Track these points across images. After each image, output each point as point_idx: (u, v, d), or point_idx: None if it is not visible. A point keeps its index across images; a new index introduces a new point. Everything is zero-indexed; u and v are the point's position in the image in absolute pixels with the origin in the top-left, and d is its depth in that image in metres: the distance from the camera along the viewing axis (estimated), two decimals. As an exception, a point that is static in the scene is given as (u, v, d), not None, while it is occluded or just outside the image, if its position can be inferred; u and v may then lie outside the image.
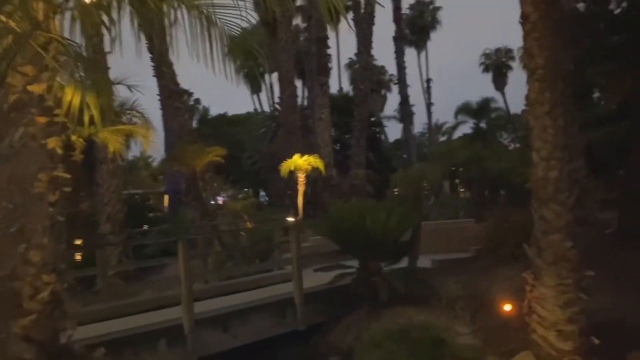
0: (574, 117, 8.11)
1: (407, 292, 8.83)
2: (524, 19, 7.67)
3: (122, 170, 13.27)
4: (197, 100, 52.34)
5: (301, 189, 16.13)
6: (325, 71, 23.67)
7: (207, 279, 10.30)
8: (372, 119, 30.06)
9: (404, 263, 9.75)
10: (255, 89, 53.01)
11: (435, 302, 9.00)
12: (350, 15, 29.65)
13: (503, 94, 49.52)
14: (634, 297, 8.89)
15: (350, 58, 48.78)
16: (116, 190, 12.62)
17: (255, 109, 49.86)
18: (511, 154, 26.65)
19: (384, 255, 9.37)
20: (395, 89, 48.04)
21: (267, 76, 46.98)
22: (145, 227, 18.03)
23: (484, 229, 11.39)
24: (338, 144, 27.48)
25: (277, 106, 35.37)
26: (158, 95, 17.50)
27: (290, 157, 17.83)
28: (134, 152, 23.98)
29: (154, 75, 17.10)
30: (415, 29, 48.61)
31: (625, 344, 7.66)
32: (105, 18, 3.84)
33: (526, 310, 7.70)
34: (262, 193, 40.15)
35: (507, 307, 8.52)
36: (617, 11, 14.20)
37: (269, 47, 22.01)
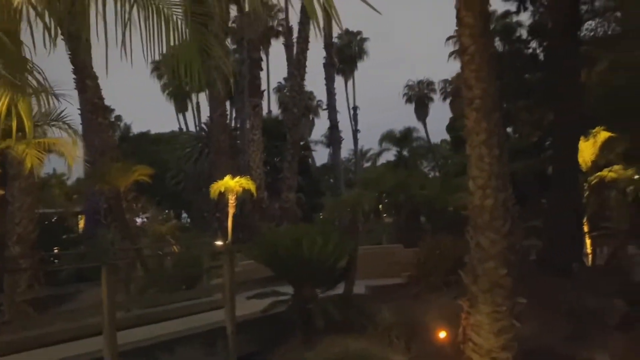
0: (505, 147, 8.38)
1: (343, 320, 8.61)
2: (463, 51, 7.87)
3: (35, 187, 12.19)
4: (119, 117, 50.44)
5: (231, 211, 15.64)
6: (258, 92, 23.45)
7: (131, 307, 9.57)
8: (302, 143, 30.12)
9: (339, 289, 9.56)
10: (181, 108, 51.94)
11: (370, 329, 8.84)
12: (281, 40, 29.79)
13: (424, 124, 51.58)
14: (558, 323, 9.21)
15: (279, 82, 49.08)
16: (29, 209, 11.55)
17: (180, 128, 48.74)
18: (432, 182, 27.62)
19: (320, 282, 9.14)
20: (321, 114, 48.78)
21: (193, 95, 46.23)
22: (57, 249, 16.71)
23: (416, 255, 11.49)
24: (267, 167, 27.23)
25: (204, 126, 34.67)
26: (79, 109, 16.49)
27: (220, 178, 17.36)
28: (46, 168, 22.49)
29: (75, 88, 16.12)
30: (343, 58, 49.74)
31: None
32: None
33: (461, 338, 7.72)
34: (185, 215, 38.91)
35: (442, 335, 8.54)
36: (538, 50, 15.18)
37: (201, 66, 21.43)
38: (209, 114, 28.67)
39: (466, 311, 7.60)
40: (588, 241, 13.74)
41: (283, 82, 47.08)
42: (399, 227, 21.47)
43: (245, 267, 12.37)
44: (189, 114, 51.01)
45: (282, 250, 8.98)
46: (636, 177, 17.21)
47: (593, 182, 14.06)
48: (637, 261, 13.11)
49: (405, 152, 44.87)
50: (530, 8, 15.00)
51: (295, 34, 24.82)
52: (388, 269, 12.68)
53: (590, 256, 13.75)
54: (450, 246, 9.96)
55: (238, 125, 33.86)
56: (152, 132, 45.06)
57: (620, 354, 8.19)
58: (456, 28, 8.06)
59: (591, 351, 8.32)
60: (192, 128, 47.38)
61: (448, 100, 49.40)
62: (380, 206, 26.03)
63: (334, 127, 39.07)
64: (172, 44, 3.52)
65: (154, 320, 9.11)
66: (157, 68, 45.87)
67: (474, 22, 7.66)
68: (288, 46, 29.56)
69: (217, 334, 8.59)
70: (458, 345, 7.71)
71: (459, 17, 7.86)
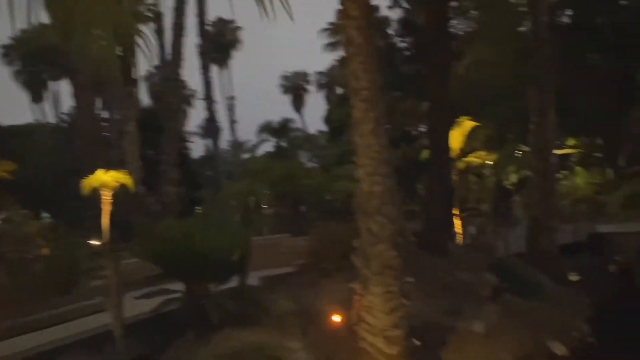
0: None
1: (239, 313, 8.53)
2: (349, 43, 8.07)
3: None
4: (-40, 108, 44.75)
5: (107, 208, 14.65)
6: (132, 81, 22.06)
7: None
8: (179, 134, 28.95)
9: (232, 283, 9.42)
10: (37, 98, 47.29)
11: (266, 320, 8.85)
12: (149, 26, 28.19)
13: (301, 115, 52.41)
14: (436, 300, 9.94)
15: (148, 70, 46.65)
16: None
17: (37, 120, 44.36)
18: (313, 172, 28.26)
19: (213, 276, 8.93)
20: (195, 104, 47.29)
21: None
22: None
23: (305, 243, 11.67)
24: (142, 160, 25.83)
25: (66, 117, 32.01)
26: None
27: (90, 172, 16.25)
28: None
29: None
30: (217, 47, 48.61)
31: (438, 342, 8.53)
32: None
33: (355, 320, 8.02)
34: (46, 214, 35.70)
35: (337, 319, 8.79)
36: (409, 44, 16.12)
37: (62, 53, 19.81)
38: (71, 104, 26.50)
39: (359, 294, 7.89)
40: (458, 222, 14.99)
41: (154, 70, 44.89)
42: (283, 217, 21.71)
43: (127, 267, 11.69)
44: (46, 104, 46.51)
45: (172, 245, 8.64)
46: (492, 162, 19.12)
47: (460, 167, 15.32)
48: (498, 239, 14.60)
49: (283, 143, 45.29)
50: (404, 5, 15.88)
51: (166, 20, 23.81)
52: (278, 259, 12.75)
53: (460, 235, 15.01)
54: (341, 232, 10.21)
55: (107, 117, 31.67)
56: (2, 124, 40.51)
57: (493, 321, 9.07)
58: (336, 20, 8.24)
59: (468, 321, 9.11)
60: (49, 119, 43.45)
61: (323, 92, 50.66)
62: (260, 197, 26.09)
63: (211, 117, 38.12)
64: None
65: (29, 329, 8.31)
66: (8, 54, 41.38)
67: (360, 15, 7.89)
68: (159, 31, 28.14)
69: (104, 338, 8.06)
70: (352, 327, 7.99)
71: (344, 10, 8.02)
